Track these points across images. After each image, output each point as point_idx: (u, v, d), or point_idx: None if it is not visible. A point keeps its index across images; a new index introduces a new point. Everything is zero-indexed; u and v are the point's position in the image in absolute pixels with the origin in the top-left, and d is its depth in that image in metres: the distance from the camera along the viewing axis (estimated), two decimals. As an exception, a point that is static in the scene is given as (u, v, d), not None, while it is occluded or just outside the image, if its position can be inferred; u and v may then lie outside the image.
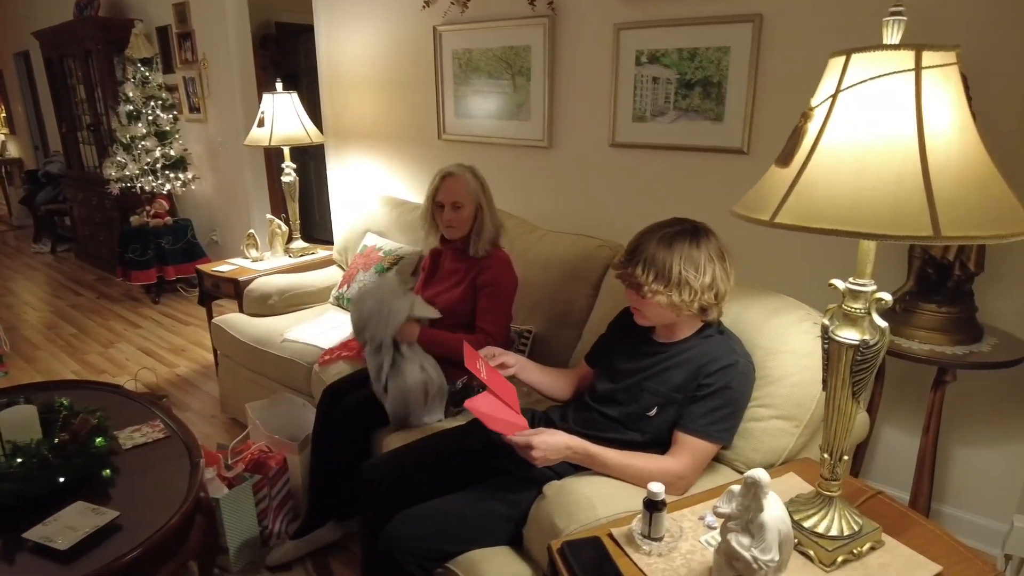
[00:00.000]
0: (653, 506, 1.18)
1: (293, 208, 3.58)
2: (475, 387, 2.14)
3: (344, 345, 2.37)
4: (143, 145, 4.69)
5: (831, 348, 1.11)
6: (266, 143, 3.34)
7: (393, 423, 2.02)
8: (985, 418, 2.05)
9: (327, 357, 2.36)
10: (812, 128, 0.99)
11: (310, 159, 5.80)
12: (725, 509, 1.07)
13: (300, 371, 2.53)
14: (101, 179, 4.96)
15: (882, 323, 1.05)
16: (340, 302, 2.99)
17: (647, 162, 2.57)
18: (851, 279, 1.08)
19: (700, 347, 1.49)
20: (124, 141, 4.70)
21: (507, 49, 2.90)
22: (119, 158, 4.73)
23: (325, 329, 2.67)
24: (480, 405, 1.44)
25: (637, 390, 1.53)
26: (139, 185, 4.76)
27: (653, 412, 1.49)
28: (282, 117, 3.35)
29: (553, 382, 1.75)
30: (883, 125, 0.91)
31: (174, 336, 4.20)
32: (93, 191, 5.50)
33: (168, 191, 4.98)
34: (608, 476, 1.45)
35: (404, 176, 3.61)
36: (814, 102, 1.01)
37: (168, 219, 4.98)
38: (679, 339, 1.52)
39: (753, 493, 1.02)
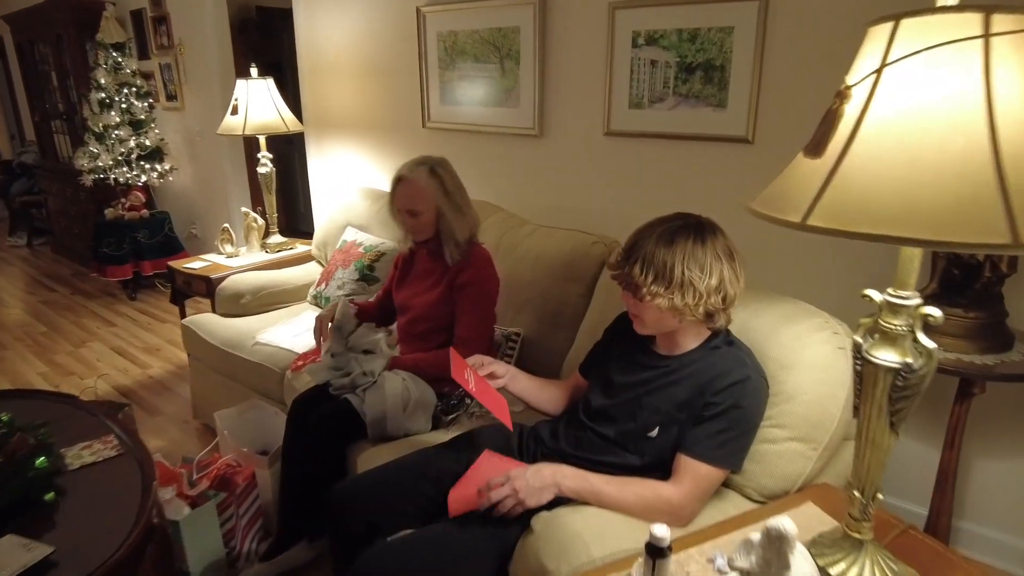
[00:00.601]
0: (657, 552, 1.02)
1: (270, 200, 3.40)
2: (469, 401, 1.98)
3: (317, 351, 2.20)
4: (116, 135, 4.48)
5: (865, 371, 0.95)
6: (240, 132, 3.14)
7: (371, 434, 1.85)
8: (1010, 430, 1.90)
9: (299, 363, 2.19)
10: (850, 110, 0.82)
11: (294, 149, 5.59)
12: (743, 563, 0.91)
13: (272, 377, 2.36)
14: (75, 170, 4.75)
15: (929, 344, 0.89)
16: (318, 301, 2.82)
17: (644, 152, 2.39)
18: (890, 290, 0.92)
19: (706, 360, 1.32)
20: (96, 130, 4.49)
21: (495, 31, 2.72)
22: (92, 148, 4.51)
23: (300, 331, 2.49)
24: (466, 489, 1.34)
25: (635, 407, 1.36)
26: (113, 176, 4.55)
27: (654, 432, 1.33)
28: (257, 104, 3.16)
29: (544, 394, 1.59)
30: (942, 105, 0.74)
31: (149, 335, 4.02)
32: (68, 182, 5.28)
33: (144, 183, 4.78)
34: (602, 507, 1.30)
35: (387, 167, 3.42)
36: (851, 79, 0.84)
37: (144, 212, 4.78)
38: (683, 351, 1.36)
39: (777, 547, 0.86)
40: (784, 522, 0.85)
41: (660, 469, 1.34)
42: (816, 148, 0.85)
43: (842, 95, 0.83)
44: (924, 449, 2.03)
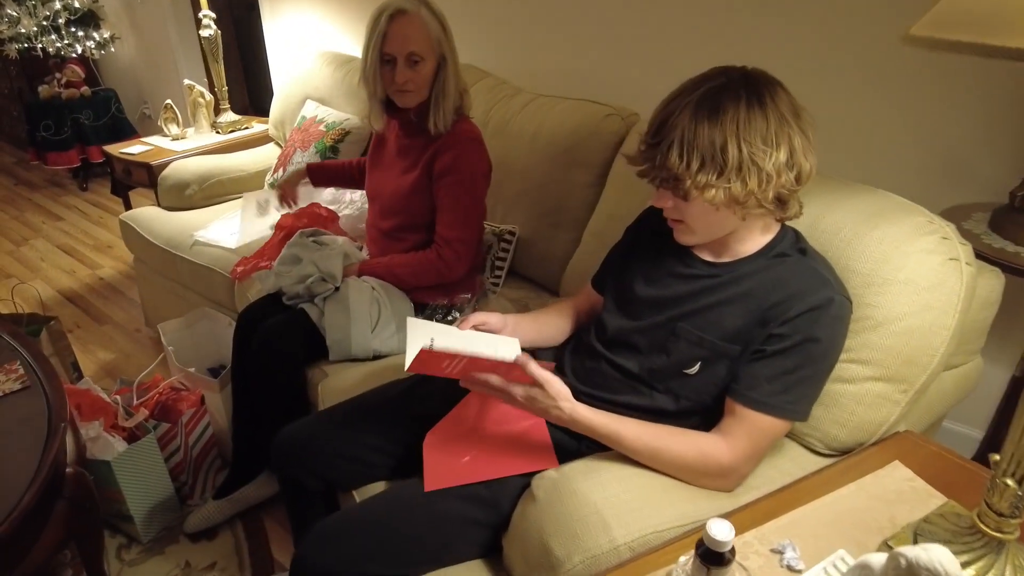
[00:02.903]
0: (714, 560, 0.71)
1: (218, 71, 2.88)
2: (457, 315, 1.64)
3: (263, 252, 1.83)
4: (37, -7, 3.81)
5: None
6: (170, -17, 2.58)
7: (333, 355, 1.53)
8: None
9: (240, 268, 1.82)
10: None
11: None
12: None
13: (221, 282, 2.00)
14: (-2, 39, 4.10)
15: None
16: (276, 192, 2.41)
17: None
18: None
19: (771, 273, 0.97)
20: (12, -12, 3.81)
21: None
22: (9, 11, 3.85)
23: (245, 226, 2.09)
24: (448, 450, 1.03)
25: (668, 334, 1.02)
26: (40, 46, 3.93)
27: (693, 369, 1.00)
28: (188, -53, 2.56)
29: (550, 329, 1.24)
30: None
31: (100, 230, 3.61)
32: (-5, 55, 4.63)
33: (81, 54, 4.15)
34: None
35: (350, 25, 2.86)
36: None
37: (85, 89, 4.18)
38: (737, 258, 1.00)
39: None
40: (941, 558, 0.54)
41: (699, 415, 1.03)
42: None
43: None
44: (985, 364, 1.73)
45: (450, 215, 1.54)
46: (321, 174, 1.91)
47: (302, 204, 1.92)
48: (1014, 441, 0.69)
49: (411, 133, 1.58)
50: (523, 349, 1.18)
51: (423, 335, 1.00)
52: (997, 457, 0.72)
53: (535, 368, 0.95)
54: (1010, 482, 0.70)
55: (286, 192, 1.90)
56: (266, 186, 2.46)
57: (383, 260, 1.62)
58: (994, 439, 1.72)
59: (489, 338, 1.07)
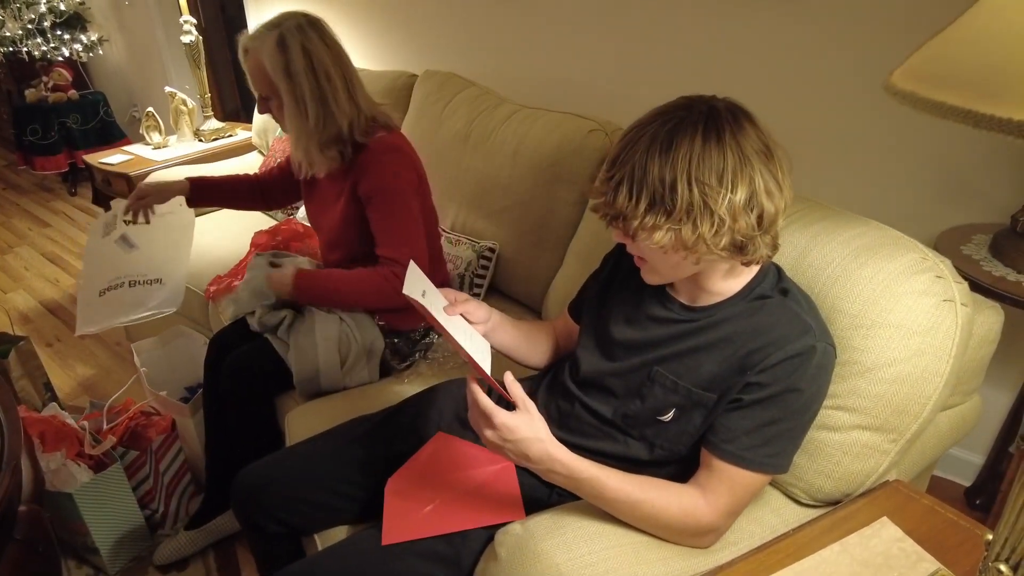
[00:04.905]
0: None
1: (200, 77, 2.82)
2: (433, 338, 1.58)
3: (236, 270, 1.77)
4: (22, -4, 3.75)
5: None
6: (148, -12, 2.51)
7: (300, 391, 1.47)
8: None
9: (214, 288, 1.76)
10: None
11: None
12: None
13: (196, 301, 1.94)
14: (-17, 42, 4.05)
15: None
16: (257, 204, 2.34)
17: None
18: None
19: (751, 318, 0.90)
20: (-4, -9, 3.75)
21: None
22: (-6, 14, 3.80)
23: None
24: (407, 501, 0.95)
25: (643, 379, 0.96)
26: (26, 49, 3.87)
27: (667, 417, 0.94)
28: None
29: (531, 344, 1.17)
30: None
31: (87, 236, 3.55)
32: (-18, 57, 4.57)
33: (68, 57, 4.09)
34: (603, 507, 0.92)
35: (338, 23, 2.79)
36: None
37: (72, 93, 4.13)
38: (715, 301, 0.93)
39: None
40: None
41: (674, 464, 0.96)
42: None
43: None
44: (989, 392, 1.66)
45: (386, 236, 1.42)
46: (207, 192, 1.66)
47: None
48: (1009, 523, 0.62)
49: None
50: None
51: (417, 286, 0.92)
52: (990, 536, 0.65)
53: (520, 391, 0.87)
54: (1004, 568, 0.63)
55: (140, 204, 1.57)
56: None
57: (323, 273, 1.48)
58: (995, 465, 1.66)
59: (468, 330, 0.99)
